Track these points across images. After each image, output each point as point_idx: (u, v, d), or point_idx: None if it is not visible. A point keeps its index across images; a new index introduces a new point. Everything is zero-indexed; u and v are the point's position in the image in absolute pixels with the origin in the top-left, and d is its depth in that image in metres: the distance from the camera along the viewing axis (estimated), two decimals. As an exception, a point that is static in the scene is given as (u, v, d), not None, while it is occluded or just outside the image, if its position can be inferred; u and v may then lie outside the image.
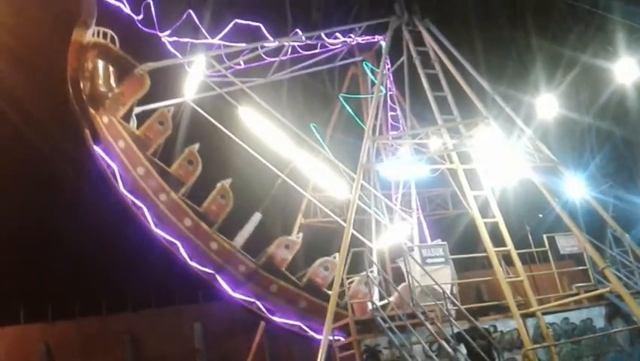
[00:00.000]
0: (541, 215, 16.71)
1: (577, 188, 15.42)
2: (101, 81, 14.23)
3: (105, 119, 13.83)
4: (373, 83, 18.51)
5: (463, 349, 10.34)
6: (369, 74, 18.73)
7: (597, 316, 13.22)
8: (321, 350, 10.99)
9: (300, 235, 15.03)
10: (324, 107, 20.93)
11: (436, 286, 12.07)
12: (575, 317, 13.08)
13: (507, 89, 15.87)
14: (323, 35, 17.32)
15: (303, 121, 21.62)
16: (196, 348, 20.40)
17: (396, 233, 15.86)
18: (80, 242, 20.45)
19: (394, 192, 17.79)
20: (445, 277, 13.35)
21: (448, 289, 12.78)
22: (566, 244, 14.53)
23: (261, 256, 14.40)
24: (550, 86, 20.21)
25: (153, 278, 22.52)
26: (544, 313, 12.42)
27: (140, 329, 20.17)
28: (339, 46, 17.60)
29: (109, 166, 13.86)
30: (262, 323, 16.40)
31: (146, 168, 13.73)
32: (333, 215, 16.44)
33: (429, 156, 15.70)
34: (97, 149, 13.82)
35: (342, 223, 14.20)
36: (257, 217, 15.16)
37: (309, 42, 16.79)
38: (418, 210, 17.68)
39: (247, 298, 13.94)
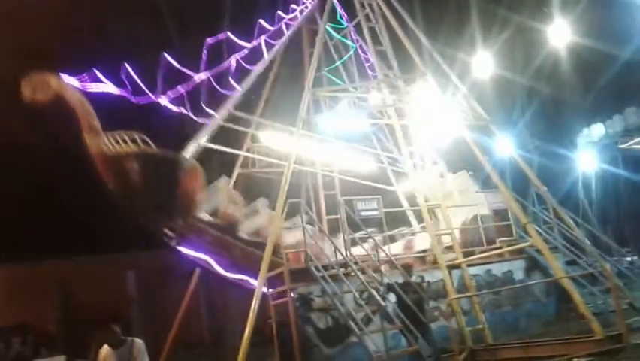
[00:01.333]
0: (472, 172, 17.32)
1: (506, 147, 16.06)
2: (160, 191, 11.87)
3: (184, 223, 12.34)
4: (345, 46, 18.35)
5: (392, 297, 10.76)
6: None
7: (517, 268, 14.08)
8: (255, 297, 11.19)
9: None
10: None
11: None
12: (497, 269, 13.88)
13: (443, 46, 16.04)
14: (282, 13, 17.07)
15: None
16: (129, 296, 20.27)
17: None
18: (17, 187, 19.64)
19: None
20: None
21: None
22: (494, 200, 15.25)
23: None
24: (487, 45, 20.59)
25: (85, 226, 22.02)
26: (468, 265, 13.07)
27: (71, 276, 19.78)
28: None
29: (200, 260, 13.18)
30: (197, 270, 16.45)
31: (239, 247, 12.90)
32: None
33: (367, 110, 15.88)
34: (185, 250, 12.96)
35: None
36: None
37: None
38: None
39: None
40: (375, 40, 16.24)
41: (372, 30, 16.27)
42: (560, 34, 16.75)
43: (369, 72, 17.79)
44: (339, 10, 18.17)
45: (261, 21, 16.38)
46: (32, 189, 20.54)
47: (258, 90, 17.65)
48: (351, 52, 18.16)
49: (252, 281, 12.82)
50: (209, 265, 13.29)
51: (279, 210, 12.25)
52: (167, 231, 12.34)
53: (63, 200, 21.29)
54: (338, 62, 18.11)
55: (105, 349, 6.14)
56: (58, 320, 19.20)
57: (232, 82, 14.92)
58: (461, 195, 16.89)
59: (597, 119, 28.13)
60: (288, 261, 11.80)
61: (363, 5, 16.66)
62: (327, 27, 16.80)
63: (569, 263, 13.44)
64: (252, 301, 11.20)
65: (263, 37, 15.97)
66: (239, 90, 14.87)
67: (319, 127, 16.36)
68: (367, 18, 16.48)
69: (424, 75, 14.75)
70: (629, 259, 18.42)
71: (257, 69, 15.57)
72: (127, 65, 12.47)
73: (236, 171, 17.16)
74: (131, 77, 12.45)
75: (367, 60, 18.22)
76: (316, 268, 11.20)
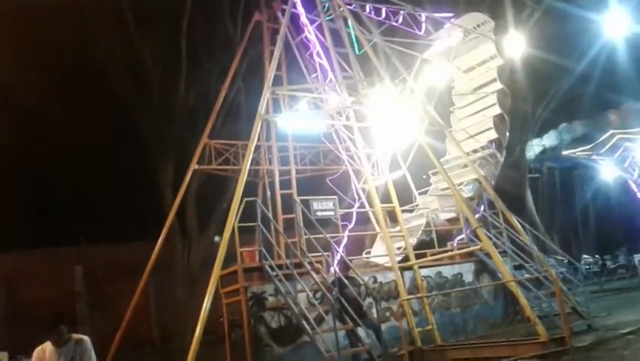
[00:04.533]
0: (425, 176, 17.63)
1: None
2: None
3: None
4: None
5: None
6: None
7: (467, 271, 14.40)
8: (207, 296, 11.06)
9: None
10: (224, 51, 20.38)
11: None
12: (448, 271, 14.16)
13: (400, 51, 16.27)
14: None
15: (203, 65, 21.07)
16: (76, 291, 19.73)
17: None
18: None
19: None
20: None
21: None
22: (446, 204, 15.57)
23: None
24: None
25: (30, 218, 21.30)
26: (420, 267, 13.29)
27: (15, 271, 19.09)
28: None
29: None
30: (148, 267, 16.12)
31: None
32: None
33: (326, 111, 15.93)
34: None
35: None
36: None
37: None
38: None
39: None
40: (337, 42, 16.29)
41: (333, 32, 16.30)
42: (514, 45, 17.23)
43: (331, 73, 17.84)
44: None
45: None
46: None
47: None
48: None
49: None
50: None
51: (235, 207, 12.16)
52: None
53: (8, 189, 20.55)
54: None
55: (48, 348, 5.77)
56: (1, 317, 18.51)
57: None
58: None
59: (546, 129, 29.17)
60: (242, 260, 11.73)
61: (324, 7, 16.67)
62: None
63: (517, 267, 13.83)
64: (204, 300, 11.07)
65: None
66: None
67: (278, 126, 16.36)
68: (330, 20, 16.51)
69: (382, 79, 14.91)
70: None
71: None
72: None
73: (192, 166, 16.90)
74: None
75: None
76: (270, 267, 11.16)
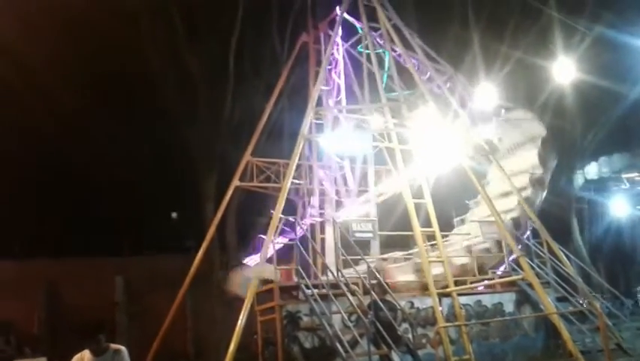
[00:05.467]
0: (468, 201, 17.34)
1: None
2: None
3: None
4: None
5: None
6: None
7: (507, 301, 14.00)
8: (242, 312, 11.10)
9: None
10: (270, 69, 20.71)
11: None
12: (488, 300, 13.80)
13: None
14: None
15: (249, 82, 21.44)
16: (115, 302, 20.10)
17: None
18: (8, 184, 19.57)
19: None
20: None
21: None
22: (488, 231, 15.22)
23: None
24: (490, 76, 20.74)
25: (77, 226, 21.94)
26: (459, 295, 13.00)
27: (59, 277, 19.61)
28: None
29: None
30: (187, 280, 16.33)
31: None
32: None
33: (369, 132, 15.91)
34: None
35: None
36: None
37: None
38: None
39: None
40: (381, 64, 16.36)
41: (378, 55, 16.37)
42: (564, 70, 16.89)
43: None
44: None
45: None
46: (23, 186, 20.52)
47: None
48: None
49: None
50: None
51: (274, 225, 12.22)
52: None
53: (56, 199, 21.27)
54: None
55: (86, 356, 5.91)
56: (42, 321, 19.00)
57: None
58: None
59: (596, 157, 28.38)
60: (279, 277, 11.74)
61: (372, 29, 16.77)
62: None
63: (560, 299, 13.39)
64: (240, 316, 11.11)
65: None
66: None
67: (320, 146, 16.42)
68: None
69: (427, 102, 14.83)
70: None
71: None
72: None
73: (234, 183, 17.12)
74: None
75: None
76: (306, 286, 11.13)
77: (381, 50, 16.52)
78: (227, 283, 16.80)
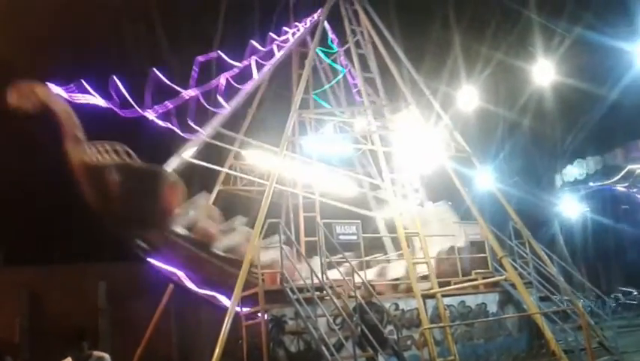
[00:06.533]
0: (451, 203, 17.46)
1: (486, 180, 16.23)
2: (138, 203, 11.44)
3: (159, 235, 11.98)
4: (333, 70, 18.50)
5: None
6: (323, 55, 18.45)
7: (491, 301, 14.11)
8: (227, 317, 11.05)
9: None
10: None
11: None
12: (471, 301, 13.90)
13: (428, 77, 16.33)
14: (273, 35, 17.14)
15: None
16: (99, 307, 19.86)
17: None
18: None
19: None
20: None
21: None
22: (471, 232, 15.34)
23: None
24: (471, 78, 20.99)
25: (58, 234, 21.64)
26: (443, 296, 13.08)
27: (40, 284, 19.34)
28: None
29: (173, 274, 12.89)
30: (170, 286, 16.20)
31: (214, 263, 12.50)
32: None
33: (352, 135, 15.98)
34: (157, 263, 12.69)
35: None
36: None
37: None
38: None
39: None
40: (364, 66, 16.44)
41: (361, 57, 16.47)
42: (544, 72, 17.12)
43: (357, 97, 17.92)
44: (331, 35, 18.34)
45: (253, 42, 16.43)
46: (4, 192, 20.17)
47: (244, 109, 17.68)
48: (340, 76, 18.30)
49: (224, 299, 12.67)
50: (182, 279, 13.08)
51: (258, 228, 12.18)
52: (140, 242, 12.16)
53: (37, 205, 20.96)
54: (327, 86, 18.23)
55: None
56: (24, 329, 18.71)
57: (220, 100, 14.90)
58: (439, 225, 16.99)
59: (575, 159, 28.74)
60: (264, 281, 11.70)
61: (354, 32, 16.89)
62: (317, 50, 16.97)
63: (542, 299, 13.52)
64: (224, 321, 11.05)
65: (254, 58, 16.00)
66: (227, 108, 14.84)
67: (303, 148, 16.44)
68: (357, 45, 16.70)
69: (409, 105, 14.93)
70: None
71: (246, 89, 15.58)
72: (115, 78, 12.38)
73: (217, 187, 17.05)
74: (120, 90, 12.34)
75: (355, 86, 18.42)
76: (291, 290, 11.11)
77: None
78: None
